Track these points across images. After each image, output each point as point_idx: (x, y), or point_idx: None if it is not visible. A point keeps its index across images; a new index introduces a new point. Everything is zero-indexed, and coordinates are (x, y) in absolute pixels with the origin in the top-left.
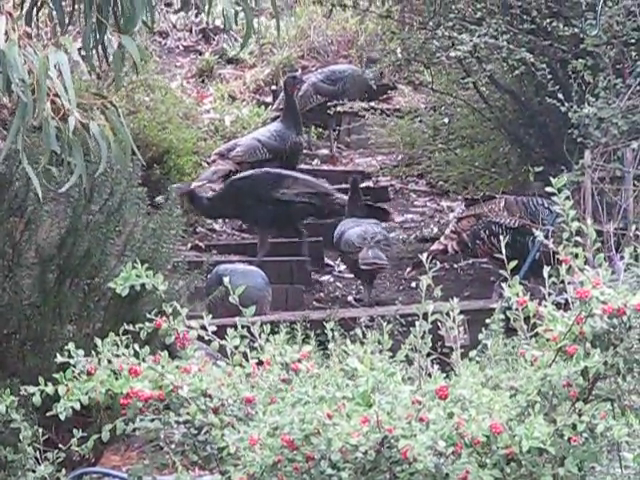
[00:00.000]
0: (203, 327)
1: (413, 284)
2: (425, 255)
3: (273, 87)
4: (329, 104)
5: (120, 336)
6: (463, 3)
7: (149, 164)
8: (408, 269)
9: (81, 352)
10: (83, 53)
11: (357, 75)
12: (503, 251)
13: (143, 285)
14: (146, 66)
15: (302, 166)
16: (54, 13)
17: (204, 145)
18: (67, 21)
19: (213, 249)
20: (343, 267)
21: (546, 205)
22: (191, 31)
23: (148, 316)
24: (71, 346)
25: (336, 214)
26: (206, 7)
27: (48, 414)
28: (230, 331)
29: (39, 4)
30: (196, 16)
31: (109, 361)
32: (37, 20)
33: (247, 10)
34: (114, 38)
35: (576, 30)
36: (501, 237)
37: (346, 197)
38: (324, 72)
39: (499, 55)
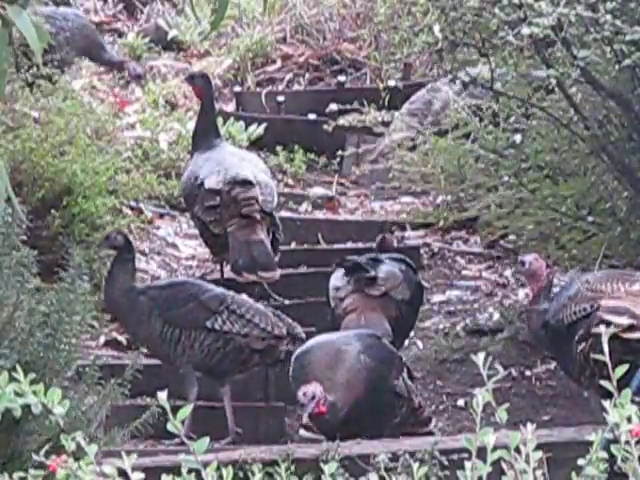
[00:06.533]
0: (125, 473)
1: (461, 401)
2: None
3: (236, 88)
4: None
5: None
6: None
7: (39, 210)
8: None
9: None
10: None
11: None
12: None
13: (27, 406)
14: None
15: (283, 214)
16: None
17: (126, 180)
18: None
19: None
20: None
21: None
22: None
23: (35, 457)
24: None
25: None
26: None
27: None
28: None
29: None
30: None
31: None
32: None
33: None
34: None
35: None
36: None
37: None
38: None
39: (599, 35)
